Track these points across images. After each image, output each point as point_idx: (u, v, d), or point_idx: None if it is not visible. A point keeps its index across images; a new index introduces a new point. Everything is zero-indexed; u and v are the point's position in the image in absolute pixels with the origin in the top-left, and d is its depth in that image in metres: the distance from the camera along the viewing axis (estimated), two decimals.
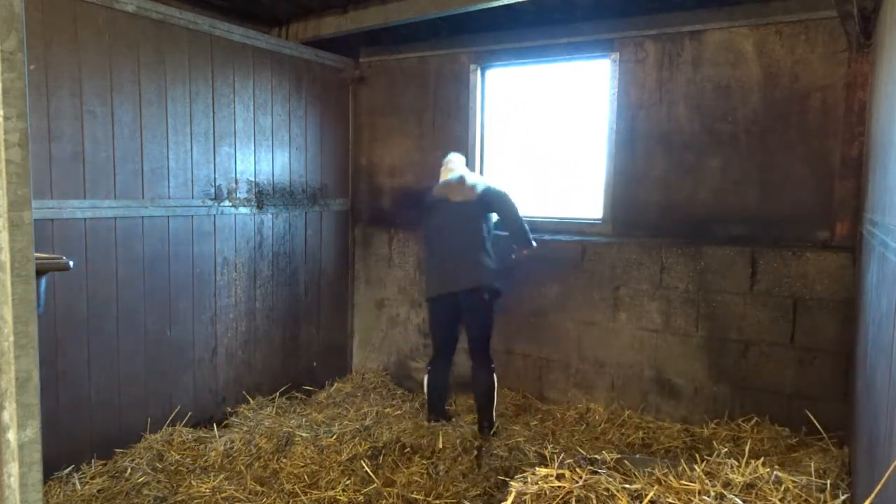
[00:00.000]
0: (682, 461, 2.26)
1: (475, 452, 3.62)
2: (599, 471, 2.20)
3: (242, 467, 3.64)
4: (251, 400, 4.60)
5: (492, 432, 4.06)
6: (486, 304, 4.08)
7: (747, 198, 4.03)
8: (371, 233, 5.46)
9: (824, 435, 3.65)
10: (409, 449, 3.74)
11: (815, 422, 3.71)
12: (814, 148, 3.85)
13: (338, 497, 3.27)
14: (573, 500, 2.07)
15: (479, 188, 4.10)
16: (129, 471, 3.52)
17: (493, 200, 4.08)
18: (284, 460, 3.68)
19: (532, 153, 4.97)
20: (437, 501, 3.27)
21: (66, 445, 3.54)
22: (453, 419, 4.39)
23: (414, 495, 3.30)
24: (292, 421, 4.26)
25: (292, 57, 4.79)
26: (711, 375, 4.13)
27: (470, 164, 5.00)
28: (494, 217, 4.20)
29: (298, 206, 4.96)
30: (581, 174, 4.76)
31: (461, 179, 4.17)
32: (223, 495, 3.34)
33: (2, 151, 1.20)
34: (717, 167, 4.10)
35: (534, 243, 4.12)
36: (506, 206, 4.08)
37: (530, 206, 4.94)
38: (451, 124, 5.06)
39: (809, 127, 3.85)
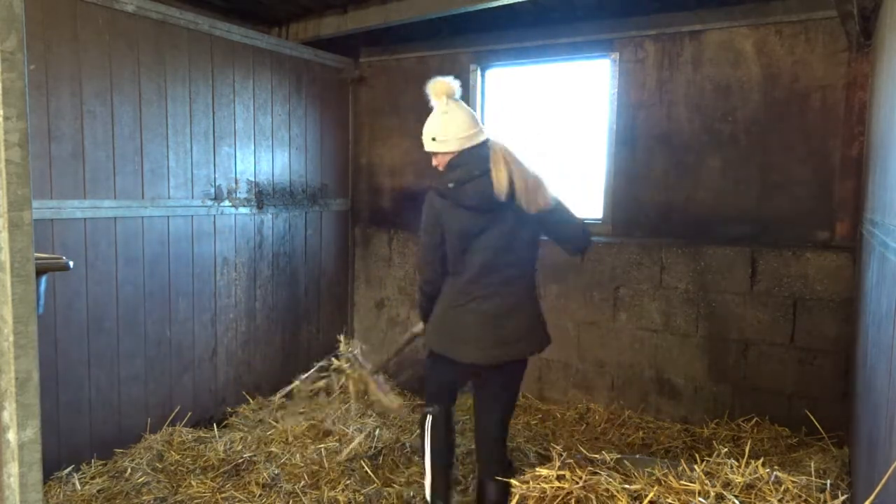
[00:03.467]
0: (682, 461, 2.26)
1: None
2: (599, 471, 2.20)
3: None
4: (251, 400, 4.60)
5: None
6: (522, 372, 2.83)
7: (747, 198, 4.03)
8: (371, 233, 5.46)
9: (824, 435, 3.64)
10: (408, 449, 3.74)
11: (815, 422, 3.71)
12: (814, 148, 3.85)
13: (338, 497, 3.27)
14: (573, 500, 2.07)
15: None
16: (129, 471, 3.52)
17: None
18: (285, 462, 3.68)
19: (532, 153, 4.96)
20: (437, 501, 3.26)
21: (66, 445, 3.54)
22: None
23: (414, 495, 3.30)
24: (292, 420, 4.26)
25: (292, 57, 4.79)
26: (711, 375, 4.13)
27: None
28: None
29: (298, 206, 4.95)
30: (580, 174, 4.75)
31: (505, 151, 2.62)
32: (223, 495, 3.34)
33: (2, 151, 1.20)
34: (717, 167, 4.10)
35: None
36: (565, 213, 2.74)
37: None
38: None
39: (809, 127, 3.85)
